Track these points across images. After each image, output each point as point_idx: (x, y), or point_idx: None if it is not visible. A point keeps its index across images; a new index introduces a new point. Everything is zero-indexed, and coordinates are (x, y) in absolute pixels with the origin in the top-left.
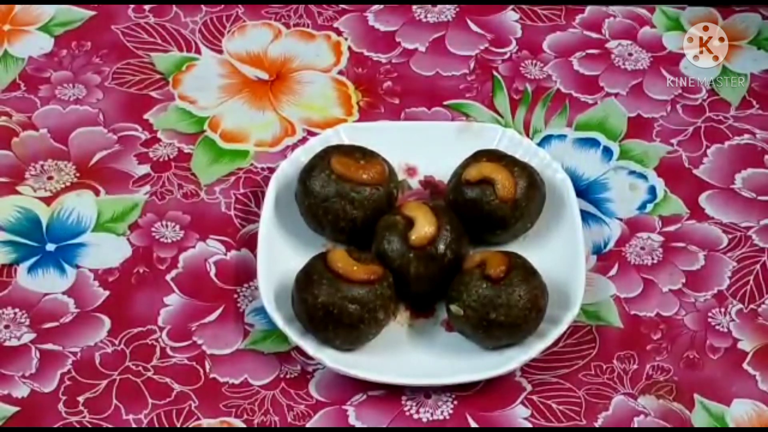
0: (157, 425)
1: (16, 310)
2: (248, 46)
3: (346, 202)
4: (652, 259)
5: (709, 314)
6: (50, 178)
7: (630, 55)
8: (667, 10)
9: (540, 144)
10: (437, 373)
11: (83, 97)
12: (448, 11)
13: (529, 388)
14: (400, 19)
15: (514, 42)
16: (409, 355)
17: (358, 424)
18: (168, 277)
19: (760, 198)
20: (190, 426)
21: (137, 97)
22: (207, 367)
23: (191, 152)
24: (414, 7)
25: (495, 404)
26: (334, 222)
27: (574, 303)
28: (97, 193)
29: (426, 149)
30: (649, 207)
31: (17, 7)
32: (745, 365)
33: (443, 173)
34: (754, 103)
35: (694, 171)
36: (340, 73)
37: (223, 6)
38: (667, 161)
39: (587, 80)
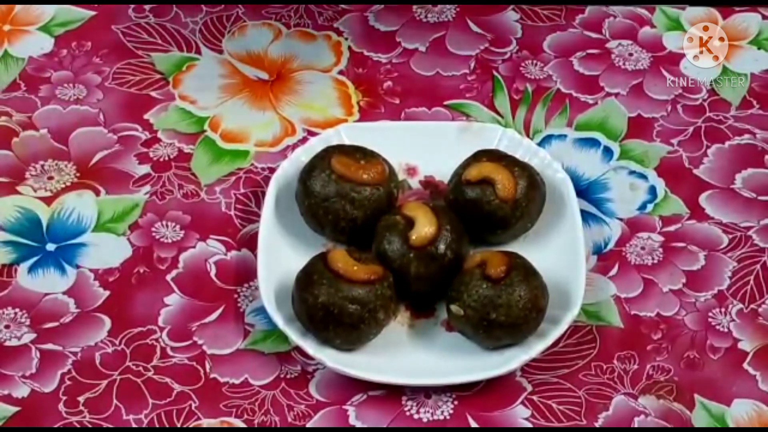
0: (157, 425)
1: (17, 310)
2: (248, 46)
3: (346, 202)
4: (653, 259)
5: (710, 314)
6: (50, 178)
7: (630, 55)
8: (667, 10)
9: (540, 144)
10: (437, 373)
11: (83, 97)
12: (448, 11)
13: (529, 388)
14: (400, 19)
15: (514, 42)
16: (410, 355)
17: (358, 424)
18: (168, 277)
19: (760, 198)
20: (191, 426)
21: (137, 97)
22: (207, 367)
23: (191, 152)
24: (414, 7)
25: (495, 404)
26: (334, 222)
27: (575, 303)
28: (97, 193)
29: (426, 149)
30: (650, 207)
31: (17, 7)
32: (745, 365)
33: (443, 173)
34: (755, 103)
35: (695, 171)
36: (341, 73)
37: (223, 6)
38: (667, 161)
39: (587, 80)
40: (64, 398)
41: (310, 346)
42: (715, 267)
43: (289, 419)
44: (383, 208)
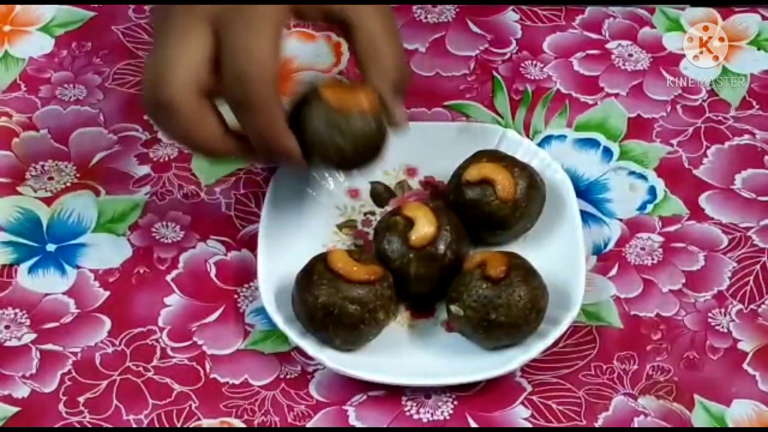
0: (157, 425)
1: (17, 310)
2: None
3: (335, 132)
4: (652, 259)
5: (709, 314)
6: (51, 178)
7: (630, 55)
8: (667, 11)
9: (540, 144)
10: (437, 373)
11: (84, 97)
12: (448, 11)
13: (529, 388)
14: (400, 19)
15: (514, 42)
16: (409, 356)
17: (358, 425)
18: (168, 278)
19: (759, 198)
20: (191, 426)
21: (138, 98)
22: (207, 367)
23: (192, 153)
24: (414, 7)
25: (495, 404)
26: (323, 152)
27: (574, 303)
28: (97, 193)
29: (426, 149)
30: (649, 207)
31: (18, 8)
32: (745, 365)
33: (443, 173)
34: (754, 103)
35: (694, 171)
36: (341, 73)
37: None
38: (667, 162)
39: (587, 81)
40: (64, 398)
41: (310, 347)
42: (714, 267)
43: (289, 419)
44: (374, 139)
